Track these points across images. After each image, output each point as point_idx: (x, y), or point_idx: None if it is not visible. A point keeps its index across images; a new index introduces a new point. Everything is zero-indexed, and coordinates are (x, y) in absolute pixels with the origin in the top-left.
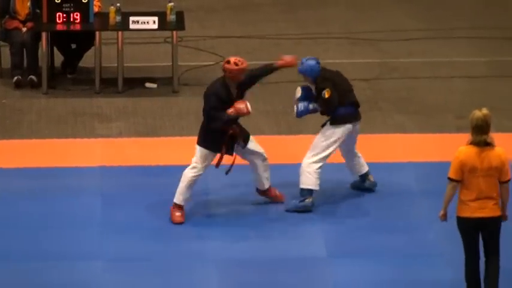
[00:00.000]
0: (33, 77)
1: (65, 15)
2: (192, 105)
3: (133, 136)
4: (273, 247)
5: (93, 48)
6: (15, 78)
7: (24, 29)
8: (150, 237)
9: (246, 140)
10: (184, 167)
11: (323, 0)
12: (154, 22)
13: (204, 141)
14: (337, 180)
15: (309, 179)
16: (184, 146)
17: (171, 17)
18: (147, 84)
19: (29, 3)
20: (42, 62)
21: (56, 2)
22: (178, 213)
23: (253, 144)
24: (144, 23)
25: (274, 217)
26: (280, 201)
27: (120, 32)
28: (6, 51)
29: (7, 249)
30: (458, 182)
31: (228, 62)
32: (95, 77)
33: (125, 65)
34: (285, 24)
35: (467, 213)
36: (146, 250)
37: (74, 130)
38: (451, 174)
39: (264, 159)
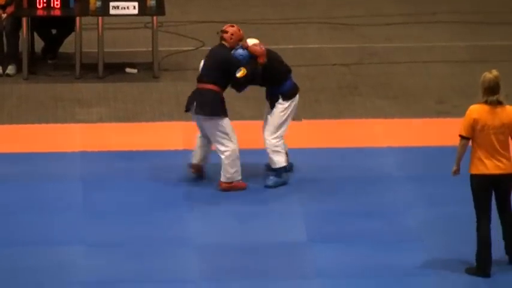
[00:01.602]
0: (9, 72)
1: (45, 0)
2: (172, 91)
3: (114, 121)
4: (253, 232)
5: (73, 33)
6: None
7: (4, 15)
8: (130, 222)
9: None
10: (164, 152)
11: None
12: (134, 7)
13: (223, 110)
14: (316, 165)
15: (280, 156)
16: (164, 131)
17: (151, 2)
18: (128, 70)
19: None
20: (23, 48)
21: None
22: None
23: None
24: (124, 8)
25: (254, 202)
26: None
27: (100, 18)
28: None
29: None
30: (469, 139)
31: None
32: (75, 62)
33: (105, 50)
34: (265, 9)
35: (483, 170)
36: (127, 235)
37: (55, 115)
38: (462, 131)
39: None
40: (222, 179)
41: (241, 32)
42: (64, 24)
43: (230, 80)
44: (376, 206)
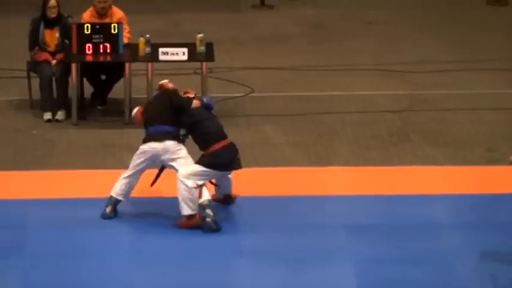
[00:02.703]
0: (59, 118)
1: (94, 46)
2: None
3: None
4: (302, 280)
5: (122, 79)
6: (46, 117)
7: (54, 62)
8: (177, 268)
9: None
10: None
11: (351, 31)
12: (184, 53)
13: None
14: (366, 212)
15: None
16: None
17: (201, 48)
18: None
19: (58, 35)
20: (72, 93)
21: (85, 33)
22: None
23: None
24: (174, 54)
25: (302, 249)
26: None
27: (149, 63)
28: (36, 82)
29: (37, 280)
30: None
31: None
32: (124, 108)
33: None
34: (313, 55)
35: None
36: (176, 282)
37: (104, 161)
38: None
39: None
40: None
41: None
42: (113, 70)
43: None
44: (425, 253)
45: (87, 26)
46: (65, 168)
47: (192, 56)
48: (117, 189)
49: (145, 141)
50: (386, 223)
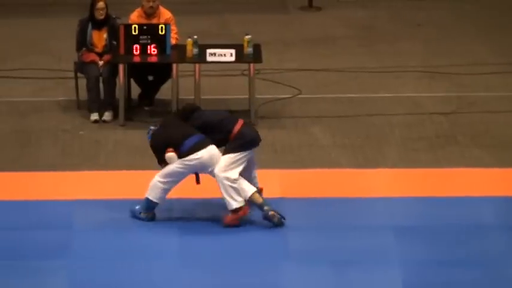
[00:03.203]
0: (106, 118)
1: (142, 47)
2: (269, 138)
3: None
4: (349, 283)
5: (170, 80)
6: (93, 118)
7: (101, 63)
8: (225, 271)
9: None
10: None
11: (400, 33)
12: (231, 54)
13: None
14: (413, 214)
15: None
16: (261, 178)
17: (248, 50)
18: None
19: (105, 35)
20: (120, 94)
21: (133, 34)
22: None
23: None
24: (221, 55)
25: (349, 251)
26: None
27: (197, 64)
28: (83, 82)
29: (84, 281)
30: None
31: None
32: (171, 109)
33: (202, 97)
34: (363, 57)
35: None
36: (222, 284)
37: (151, 162)
38: None
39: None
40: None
41: None
42: (161, 71)
43: None
44: (475, 255)
45: (135, 27)
46: (111, 168)
47: (240, 57)
48: (154, 192)
49: (187, 154)
50: (434, 225)
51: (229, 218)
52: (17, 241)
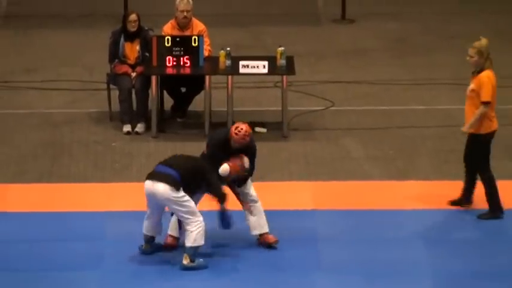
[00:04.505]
0: (139, 130)
1: (174, 59)
2: (301, 151)
3: None
4: None
5: (202, 92)
6: (126, 130)
7: (134, 74)
8: (257, 282)
9: None
10: (293, 212)
11: (433, 45)
12: (264, 66)
13: None
14: (444, 226)
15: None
16: (292, 190)
17: (281, 62)
18: (257, 129)
19: (138, 47)
20: (152, 106)
21: (166, 46)
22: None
23: None
24: (254, 67)
25: (382, 263)
26: None
27: (230, 76)
28: (115, 94)
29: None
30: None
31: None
32: (204, 121)
33: (235, 109)
34: (396, 69)
35: (494, 127)
36: None
37: None
38: (489, 97)
39: None
40: None
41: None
42: (194, 83)
43: None
44: (505, 268)
45: (168, 39)
46: (144, 181)
47: (273, 69)
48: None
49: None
50: (465, 237)
51: (271, 237)
52: (49, 252)
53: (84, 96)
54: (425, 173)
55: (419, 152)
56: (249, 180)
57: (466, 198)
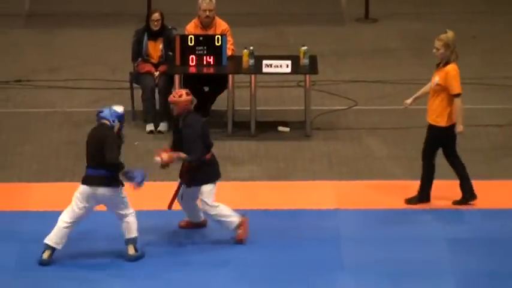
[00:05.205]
0: (161, 129)
1: (198, 58)
2: (324, 150)
3: (265, 179)
4: None
5: (225, 91)
6: (148, 129)
7: (157, 73)
8: (279, 282)
9: None
10: (315, 211)
11: (455, 45)
12: (287, 66)
13: None
14: (468, 226)
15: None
16: (316, 190)
17: (304, 61)
18: (280, 128)
19: (161, 46)
20: None
21: (189, 45)
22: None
23: None
24: (277, 66)
25: (406, 261)
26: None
27: (253, 76)
28: (138, 93)
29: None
30: None
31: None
32: (227, 120)
33: (258, 108)
34: (418, 68)
35: (455, 119)
36: None
37: None
38: (459, 89)
39: None
40: None
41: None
42: (217, 82)
43: None
44: None
45: (191, 38)
46: (167, 179)
47: (296, 68)
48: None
49: None
50: (487, 237)
51: (240, 234)
52: (73, 252)
53: (107, 95)
54: (448, 173)
55: (442, 151)
56: (205, 188)
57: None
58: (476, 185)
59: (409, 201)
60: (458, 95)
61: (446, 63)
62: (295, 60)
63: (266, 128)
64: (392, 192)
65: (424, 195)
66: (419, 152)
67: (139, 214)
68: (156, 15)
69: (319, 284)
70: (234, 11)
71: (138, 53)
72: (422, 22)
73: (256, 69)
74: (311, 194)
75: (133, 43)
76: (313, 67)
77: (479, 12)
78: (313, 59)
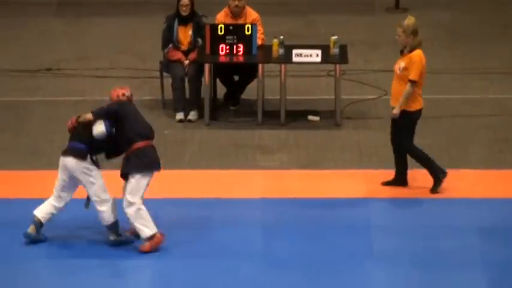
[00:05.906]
0: (191, 118)
1: (228, 47)
2: (354, 139)
3: (295, 168)
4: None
5: (255, 80)
6: (178, 118)
7: (187, 62)
8: (309, 270)
9: None
10: (345, 200)
11: (487, 35)
12: (317, 55)
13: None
14: (499, 216)
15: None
16: (346, 179)
17: (334, 51)
18: (310, 117)
19: (190, 32)
20: (205, 94)
21: (219, 34)
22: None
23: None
24: (307, 56)
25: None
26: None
27: (283, 65)
28: (168, 82)
29: (171, 279)
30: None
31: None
32: (257, 109)
33: (287, 97)
34: (447, 58)
35: (421, 105)
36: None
37: (236, 161)
38: (417, 77)
39: None
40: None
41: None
42: (247, 71)
43: None
44: None
45: (221, 27)
46: (197, 168)
47: (326, 58)
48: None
49: None
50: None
51: (147, 246)
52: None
53: (137, 84)
54: (477, 162)
55: (472, 141)
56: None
57: (401, 180)
58: (507, 174)
59: (433, 190)
60: (413, 82)
61: (412, 50)
62: (325, 49)
63: (296, 117)
64: (422, 182)
65: (436, 176)
66: (449, 142)
67: (170, 203)
68: (185, 1)
69: (349, 273)
70: (265, 0)
71: (169, 39)
72: (453, 11)
73: (286, 58)
74: (341, 183)
75: (164, 30)
76: (343, 56)
77: (510, 2)
78: (343, 49)
